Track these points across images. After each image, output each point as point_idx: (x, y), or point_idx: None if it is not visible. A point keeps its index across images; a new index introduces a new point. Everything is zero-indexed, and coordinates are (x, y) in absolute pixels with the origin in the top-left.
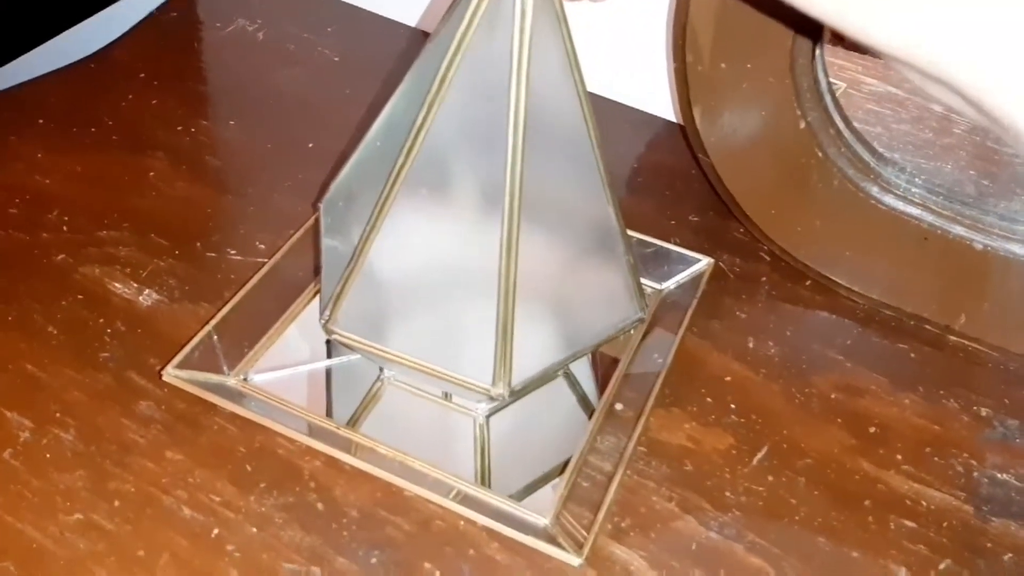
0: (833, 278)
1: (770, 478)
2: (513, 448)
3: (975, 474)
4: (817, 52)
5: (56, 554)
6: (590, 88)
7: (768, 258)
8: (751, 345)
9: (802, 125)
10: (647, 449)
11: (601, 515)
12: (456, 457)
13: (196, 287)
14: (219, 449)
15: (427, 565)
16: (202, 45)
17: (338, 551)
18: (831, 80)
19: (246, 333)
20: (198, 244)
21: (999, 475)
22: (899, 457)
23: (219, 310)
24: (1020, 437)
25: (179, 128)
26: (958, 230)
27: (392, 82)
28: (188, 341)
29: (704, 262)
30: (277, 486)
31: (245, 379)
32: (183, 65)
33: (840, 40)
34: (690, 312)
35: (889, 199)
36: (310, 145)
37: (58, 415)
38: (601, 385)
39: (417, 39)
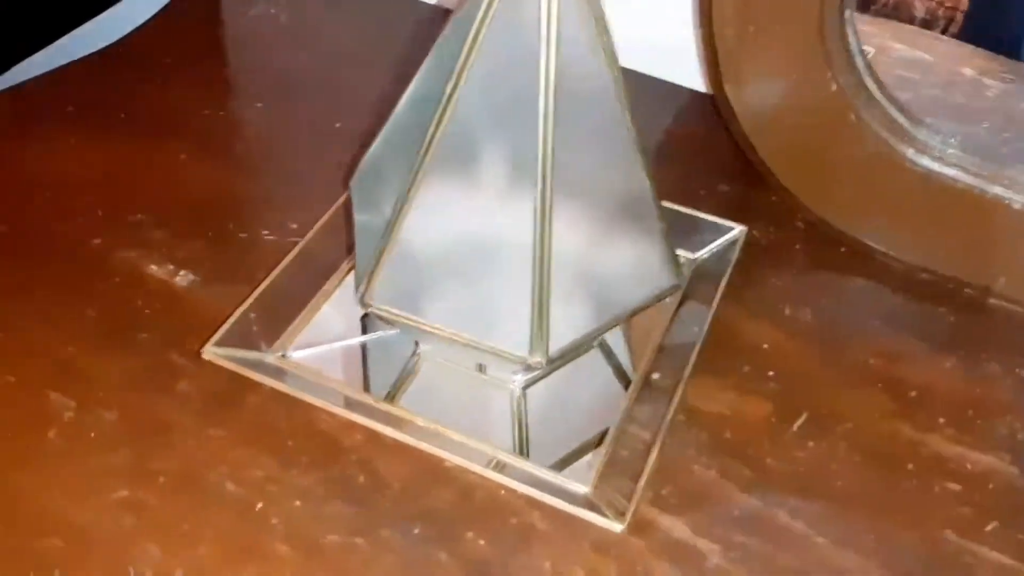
0: (868, 243)
1: (811, 444)
2: (550, 419)
3: (1020, 436)
4: (847, 14)
5: (102, 531)
6: None
7: (802, 225)
8: (787, 313)
9: (834, 88)
10: (686, 418)
11: (642, 483)
12: (493, 430)
13: (230, 268)
14: (260, 425)
15: (469, 534)
16: (226, 29)
17: (381, 523)
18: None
19: (282, 311)
20: (231, 225)
21: None
22: (941, 420)
23: (254, 289)
24: None
25: (206, 112)
26: (996, 190)
27: (416, 60)
28: (225, 320)
29: (737, 230)
30: (319, 460)
31: (284, 356)
32: (208, 49)
33: (867, 6)
34: (724, 281)
35: (925, 161)
36: (337, 125)
37: (100, 395)
38: (636, 356)
39: (439, 16)
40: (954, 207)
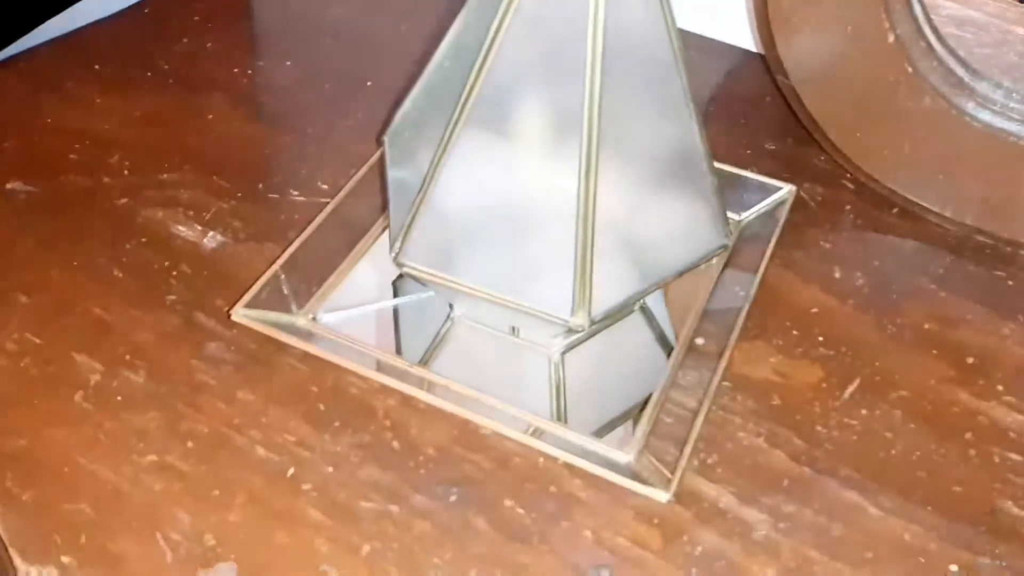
0: (923, 203)
1: (863, 411)
2: (589, 386)
3: None
4: None
5: (131, 495)
6: None
7: (852, 185)
8: (837, 275)
9: (891, 39)
10: (732, 384)
11: (687, 451)
12: (530, 396)
13: (260, 228)
14: (291, 388)
15: (508, 502)
16: None
17: (416, 489)
18: None
19: (313, 273)
20: (260, 185)
21: None
22: (1000, 388)
23: (284, 250)
24: None
25: (235, 69)
26: None
27: (450, 16)
28: (255, 282)
29: (785, 190)
30: (351, 425)
31: (314, 318)
32: (237, 6)
33: None
34: (772, 242)
35: (985, 115)
36: (368, 83)
37: (128, 357)
38: (678, 321)
39: None
40: (1015, 165)
